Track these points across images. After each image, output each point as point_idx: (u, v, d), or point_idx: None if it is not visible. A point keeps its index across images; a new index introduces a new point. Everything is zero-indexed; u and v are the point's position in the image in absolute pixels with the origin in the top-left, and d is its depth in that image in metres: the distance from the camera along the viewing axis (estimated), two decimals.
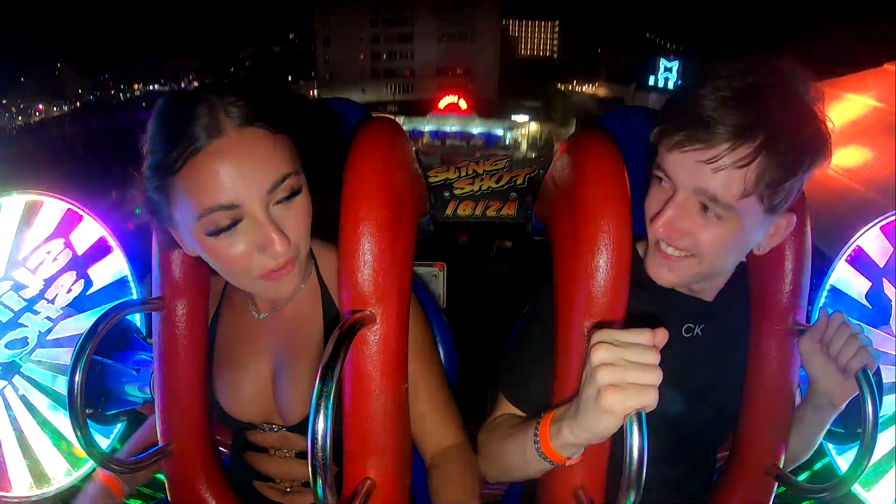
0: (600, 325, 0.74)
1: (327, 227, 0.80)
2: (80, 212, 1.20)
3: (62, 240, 1.20)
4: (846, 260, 1.15)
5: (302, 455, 0.91)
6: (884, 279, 1.13)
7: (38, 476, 1.19)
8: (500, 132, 35.35)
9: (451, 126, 35.29)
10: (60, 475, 1.19)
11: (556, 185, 0.89)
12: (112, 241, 1.23)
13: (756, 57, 0.74)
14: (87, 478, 1.10)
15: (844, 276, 1.15)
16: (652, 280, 0.85)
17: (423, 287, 1.36)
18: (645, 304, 0.81)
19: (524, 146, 34.74)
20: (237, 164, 0.68)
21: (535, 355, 0.87)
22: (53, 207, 1.20)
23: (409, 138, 0.88)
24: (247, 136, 0.69)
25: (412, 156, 0.90)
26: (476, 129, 35.55)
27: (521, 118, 35.70)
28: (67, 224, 1.20)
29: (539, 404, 0.82)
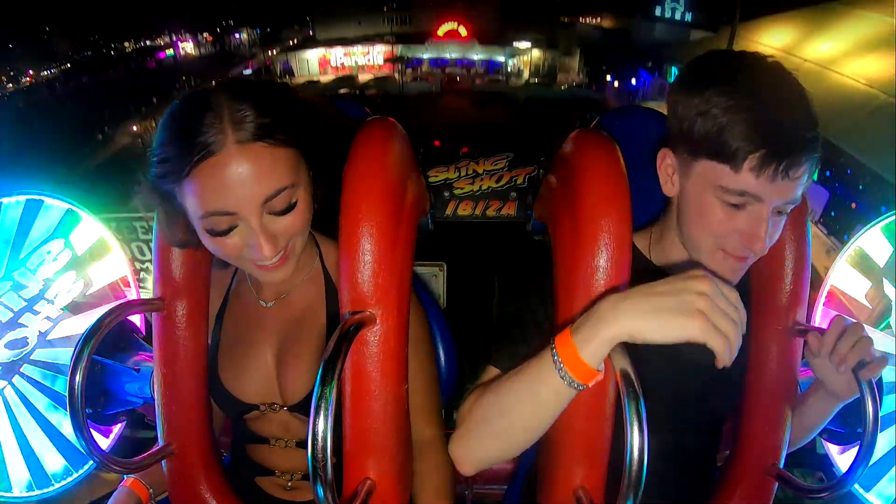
0: None
1: (331, 223, 0.81)
2: (80, 212, 1.21)
3: (62, 240, 1.20)
4: (846, 260, 1.15)
5: (302, 444, 0.92)
6: (884, 279, 1.13)
7: (38, 476, 1.19)
8: (501, 59, 34.81)
9: (451, 53, 34.61)
10: (60, 475, 1.19)
11: (556, 184, 0.89)
12: (112, 241, 1.23)
13: (744, 59, 0.76)
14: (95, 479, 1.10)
15: (844, 276, 1.15)
16: (647, 272, 0.85)
17: (424, 287, 1.36)
18: None
19: (526, 74, 34.24)
20: (235, 176, 0.71)
21: (527, 332, 0.87)
22: (53, 207, 1.20)
23: (409, 138, 0.88)
24: (248, 152, 0.71)
25: (412, 155, 0.90)
26: (476, 55, 34.80)
27: (522, 45, 34.74)
28: (67, 224, 1.20)
29: None
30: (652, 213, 0.94)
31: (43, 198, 1.20)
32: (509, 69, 34.63)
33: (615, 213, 0.74)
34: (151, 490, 0.98)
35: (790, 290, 0.87)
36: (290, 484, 0.97)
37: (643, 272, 0.86)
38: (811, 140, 0.72)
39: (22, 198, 1.20)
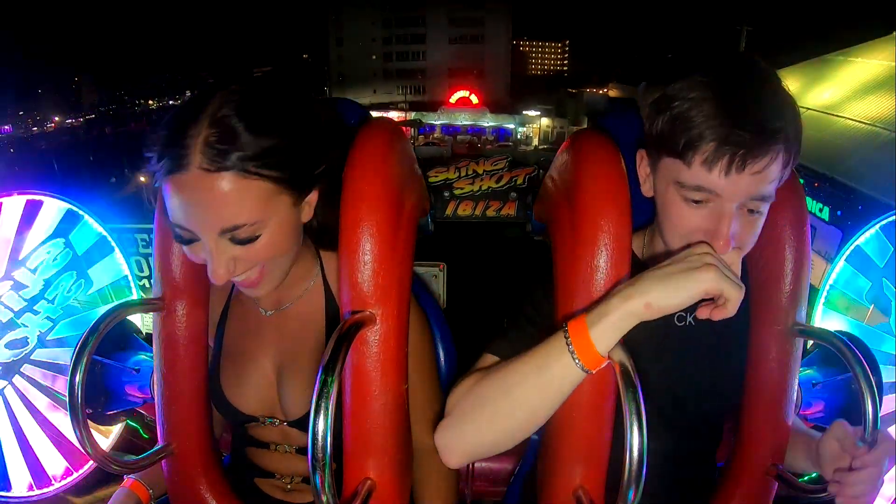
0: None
1: (330, 238, 0.81)
2: (80, 212, 1.21)
3: (62, 240, 1.20)
4: (846, 260, 1.15)
5: (302, 451, 0.92)
6: (884, 279, 1.13)
7: (38, 476, 1.19)
8: (510, 126, 35.28)
9: (463, 120, 35.13)
10: (60, 475, 1.19)
11: (556, 184, 0.89)
12: (112, 241, 1.23)
13: (716, 57, 0.74)
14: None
15: (844, 276, 1.15)
16: (643, 266, 0.85)
17: (424, 287, 1.36)
18: None
19: (535, 141, 34.65)
20: (195, 200, 0.69)
21: (531, 323, 0.86)
22: (53, 207, 1.20)
23: (408, 138, 0.88)
24: (211, 180, 0.68)
25: (412, 156, 0.90)
26: (487, 122, 35.33)
27: (532, 113, 35.49)
28: (67, 224, 1.20)
29: None
30: (646, 216, 0.94)
31: (43, 198, 1.20)
32: (519, 136, 35.00)
33: (615, 213, 0.74)
34: (151, 491, 0.98)
35: (790, 291, 0.87)
36: (289, 486, 0.96)
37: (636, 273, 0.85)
38: (773, 131, 0.68)
39: (22, 198, 1.20)
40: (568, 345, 0.66)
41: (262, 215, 0.72)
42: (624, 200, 0.75)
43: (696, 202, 0.73)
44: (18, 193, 1.20)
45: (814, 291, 1.16)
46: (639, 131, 0.95)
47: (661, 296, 0.64)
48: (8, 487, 1.18)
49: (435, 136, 34.65)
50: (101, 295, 1.23)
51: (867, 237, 1.14)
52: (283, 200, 0.74)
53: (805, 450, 0.87)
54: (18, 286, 1.18)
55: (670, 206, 0.76)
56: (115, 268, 1.23)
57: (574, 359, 0.66)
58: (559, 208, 0.84)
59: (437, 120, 35.60)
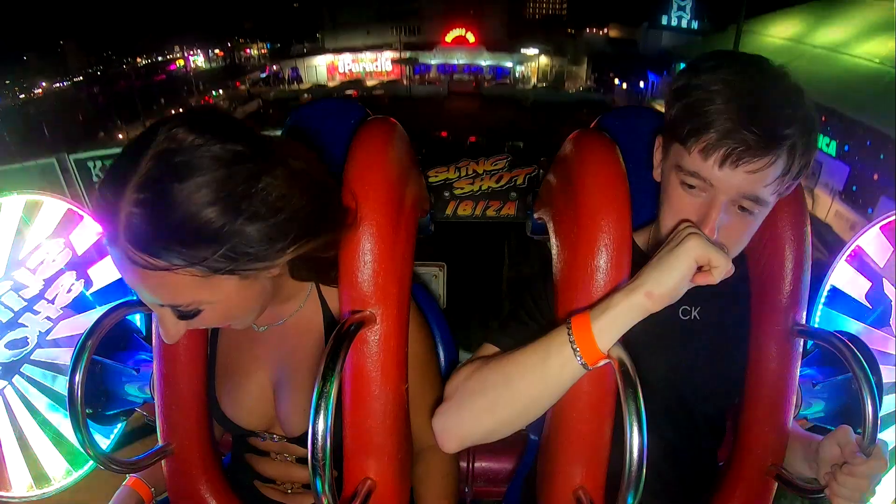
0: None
1: (322, 269, 0.79)
2: (80, 212, 1.20)
3: (62, 240, 1.20)
4: (846, 260, 1.15)
5: (302, 461, 0.92)
6: (884, 279, 1.13)
7: (38, 476, 1.19)
8: (508, 65, 34.83)
9: (459, 59, 34.58)
10: (60, 475, 1.19)
11: (556, 185, 0.89)
12: None
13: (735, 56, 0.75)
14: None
15: (844, 276, 1.15)
16: (646, 259, 0.86)
17: (424, 287, 1.36)
18: None
19: (533, 80, 34.23)
20: (127, 275, 0.63)
21: (526, 324, 0.87)
22: (53, 207, 1.20)
23: (408, 138, 0.88)
24: (135, 261, 0.60)
25: (412, 155, 0.90)
26: (484, 61, 34.77)
27: (530, 51, 34.70)
28: (67, 224, 1.20)
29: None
30: (652, 212, 0.94)
31: (43, 198, 1.20)
32: (517, 75, 34.59)
33: (615, 213, 0.74)
34: (153, 489, 0.98)
35: (790, 291, 0.87)
36: (290, 491, 0.96)
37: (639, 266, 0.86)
38: (778, 137, 0.69)
39: (22, 198, 1.19)
40: (570, 338, 0.68)
41: (199, 296, 0.64)
42: (624, 200, 0.75)
43: (691, 187, 0.75)
44: (18, 193, 1.19)
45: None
46: (639, 130, 0.95)
47: (657, 281, 0.66)
48: (8, 487, 1.18)
49: (431, 75, 34.25)
50: (101, 295, 1.22)
51: (867, 237, 1.14)
52: (228, 282, 0.65)
53: (803, 452, 0.87)
54: (18, 286, 1.18)
55: (670, 189, 0.79)
56: (115, 268, 1.23)
57: (575, 353, 0.67)
58: (559, 208, 0.84)
59: (432, 59, 34.79)
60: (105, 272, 1.22)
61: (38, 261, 1.19)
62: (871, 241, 1.14)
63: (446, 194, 1.34)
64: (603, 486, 0.78)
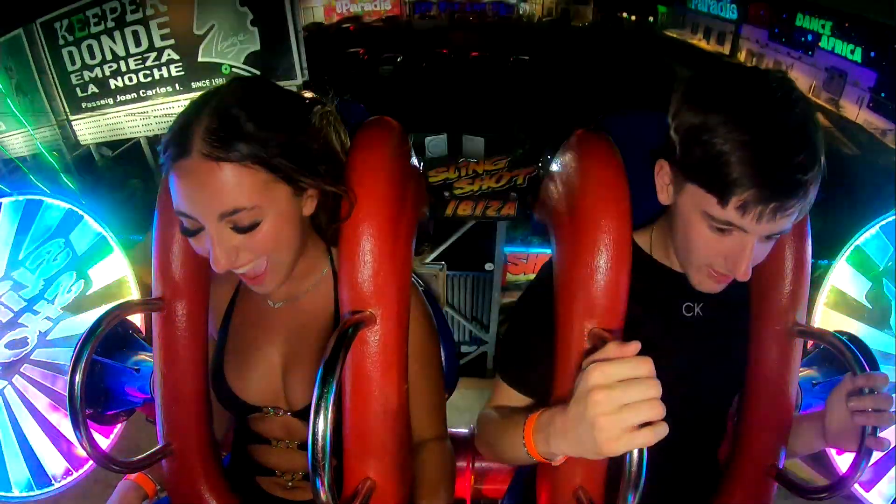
0: (601, 328, 0.74)
1: (336, 234, 0.81)
2: (80, 212, 1.21)
3: (62, 240, 1.20)
4: (846, 260, 1.15)
5: (304, 446, 0.92)
6: (884, 279, 1.13)
7: (39, 476, 1.19)
8: (512, 1, 34.64)
9: None
10: (60, 475, 1.19)
11: (556, 185, 0.89)
12: (112, 242, 1.23)
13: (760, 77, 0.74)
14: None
15: (844, 276, 1.15)
16: (649, 268, 0.87)
17: (424, 287, 1.36)
18: (645, 282, 0.83)
19: (536, 17, 34.08)
20: (196, 186, 0.72)
21: (534, 343, 0.88)
22: (53, 207, 1.20)
23: (408, 138, 0.88)
24: (209, 166, 0.71)
25: (412, 155, 0.90)
26: None
27: None
28: (67, 224, 1.20)
29: (542, 391, 0.84)
30: (652, 212, 0.94)
31: (43, 198, 1.20)
32: (521, 11, 34.37)
33: (615, 213, 0.74)
34: (158, 486, 0.98)
35: (790, 291, 0.87)
36: (290, 483, 0.97)
37: (644, 268, 0.87)
38: (805, 183, 0.70)
39: (22, 198, 1.20)
40: (522, 438, 0.74)
41: (260, 201, 0.73)
42: (624, 200, 0.75)
43: (720, 230, 0.76)
44: (18, 194, 1.20)
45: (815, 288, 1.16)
46: (640, 131, 0.95)
47: (570, 451, 0.67)
48: (8, 487, 1.18)
49: (431, 13, 34.02)
50: (101, 295, 1.23)
51: (867, 237, 1.14)
52: (282, 190, 0.75)
53: (811, 427, 0.88)
54: (18, 286, 1.18)
55: (693, 230, 0.78)
56: (115, 268, 1.23)
57: (525, 450, 0.73)
58: (559, 209, 0.84)
59: None
60: (105, 272, 1.23)
61: (38, 261, 1.19)
62: (871, 241, 1.14)
63: (446, 194, 1.35)
64: (603, 486, 0.78)
